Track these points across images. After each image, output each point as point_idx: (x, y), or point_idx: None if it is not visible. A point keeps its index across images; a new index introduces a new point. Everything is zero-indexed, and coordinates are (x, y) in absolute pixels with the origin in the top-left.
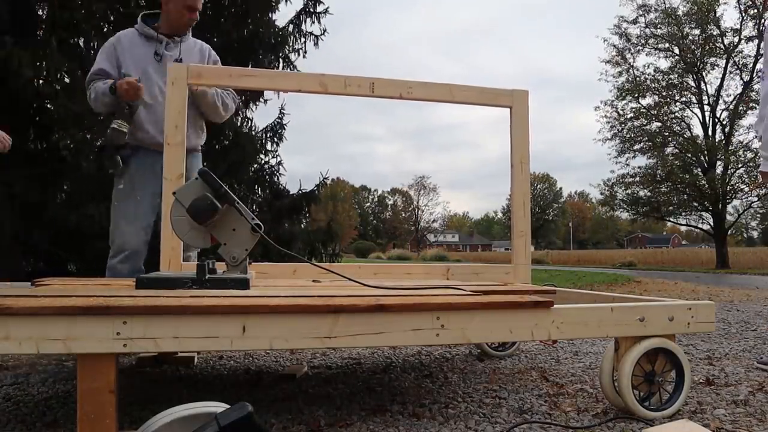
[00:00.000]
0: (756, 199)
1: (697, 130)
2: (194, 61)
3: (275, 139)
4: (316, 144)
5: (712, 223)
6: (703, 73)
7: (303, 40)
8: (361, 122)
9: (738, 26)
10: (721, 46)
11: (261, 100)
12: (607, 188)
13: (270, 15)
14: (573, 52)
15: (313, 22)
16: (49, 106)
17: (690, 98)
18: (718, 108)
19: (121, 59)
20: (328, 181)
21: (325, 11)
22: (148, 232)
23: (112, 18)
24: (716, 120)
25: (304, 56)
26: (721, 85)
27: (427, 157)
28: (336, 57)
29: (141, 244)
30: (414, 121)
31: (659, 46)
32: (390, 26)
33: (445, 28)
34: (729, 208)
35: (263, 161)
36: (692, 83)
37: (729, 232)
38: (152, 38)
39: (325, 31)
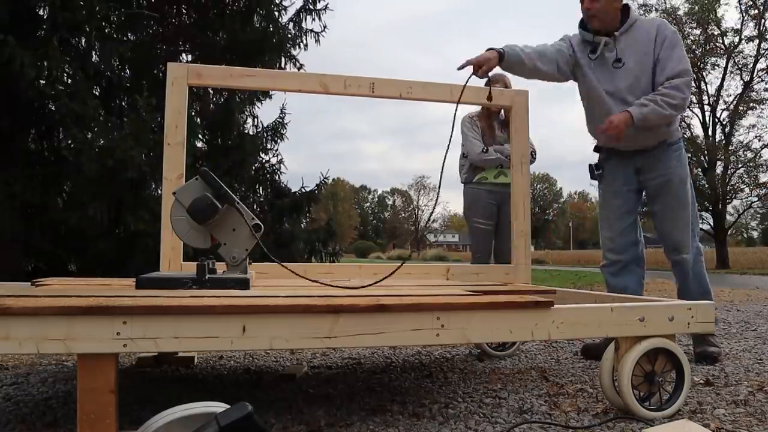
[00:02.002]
0: (756, 199)
1: (697, 130)
2: (640, 53)
3: (276, 138)
4: (298, 143)
5: (712, 223)
6: (704, 73)
7: (304, 37)
8: (342, 119)
9: (738, 26)
10: (722, 46)
11: (266, 97)
12: None
13: (277, 14)
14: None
15: (314, 19)
16: (51, 107)
17: (690, 98)
18: (719, 108)
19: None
20: (329, 181)
21: (325, 8)
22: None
23: (113, 18)
24: (716, 120)
25: (305, 49)
26: (721, 85)
27: (419, 156)
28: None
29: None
30: (399, 117)
31: None
32: (360, 19)
33: (418, 18)
34: (729, 208)
35: (264, 160)
36: (692, 83)
37: (729, 232)
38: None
39: (325, 27)
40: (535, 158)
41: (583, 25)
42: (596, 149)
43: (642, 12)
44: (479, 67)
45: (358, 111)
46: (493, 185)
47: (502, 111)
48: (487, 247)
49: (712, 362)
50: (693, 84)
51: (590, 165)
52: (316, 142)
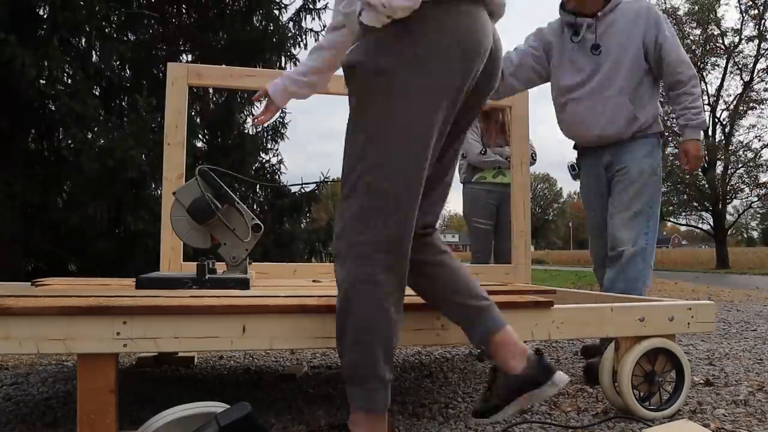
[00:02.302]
0: (756, 199)
1: None
2: (622, 37)
3: (276, 138)
4: (288, 144)
5: (712, 223)
6: (704, 73)
7: (304, 36)
8: (330, 119)
9: (738, 26)
10: (722, 46)
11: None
12: None
13: (277, 12)
14: None
15: (314, 19)
16: (51, 106)
17: None
18: (719, 108)
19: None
20: (329, 181)
21: (325, 7)
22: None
23: (113, 18)
24: (716, 120)
25: (305, 48)
26: (721, 85)
27: None
28: None
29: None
30: None
31: None
32: None
33: None
34: (729, 208)
35: (264, 160)
36: None
37: (729, 232)
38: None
39: (325, 26)
40: (535, 160)
41: (563, 5)
42: (574, 147)
43: None
44: None
45: (346, 110)
46: (492, 185)
47: (501, 113)
48: (486, 246)
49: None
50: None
51: (568, 165)
52: (303, 142)
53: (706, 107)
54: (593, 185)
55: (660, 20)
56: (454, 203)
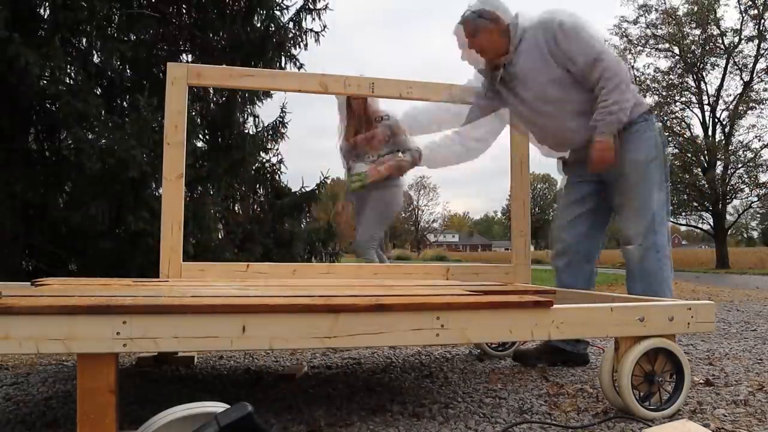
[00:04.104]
0: (756, 199)
1: (697, 130)
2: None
3: (276, 138)
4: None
5: (712, 223)
6: (703, 73)
7: (304, 37)
8: (319, 114)
9: (738, 26)
10: (722, 46)
11: (267, 96)
12: None
13: (279, 13)
14: None
15: (314, 19)
16: (51, 106)
17: (690, 98)
18: (718, 108)
19: None
20: (329, 181)
21: (325, 7)
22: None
23: (114, 18)
24: (716, 120)
25: (305, 48)
26: (721, 85)
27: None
28: None
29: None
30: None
31: (659, 46)
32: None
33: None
34: (729, 208)
35: (264, 159)
36: (692, 83)
37: (729, 232)
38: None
39: (325, 27)
40: (419, 160)
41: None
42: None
43: (641, 12)
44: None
45: (333, 107)
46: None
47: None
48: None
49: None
50: (693, 84)
51: (558, 159)
52: (293, 138)
53: (706, 107)
54: (576, 170)
55: (555, 32)
56: (455, 203)
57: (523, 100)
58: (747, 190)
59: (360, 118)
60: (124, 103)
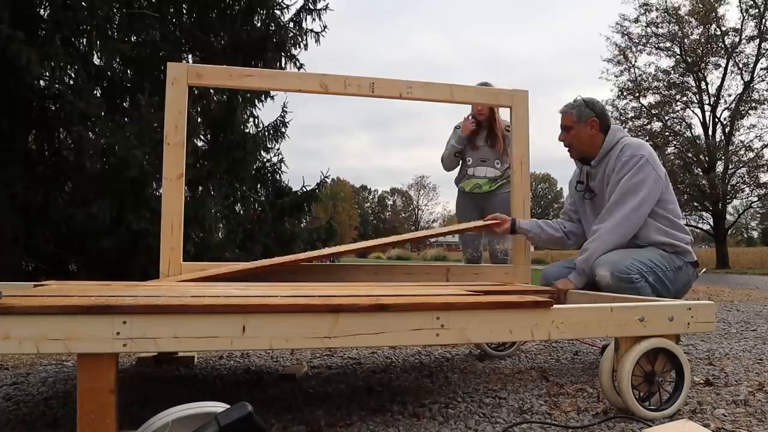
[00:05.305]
0: (756, 199)
1: (698, 130)
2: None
3: (277, 137)
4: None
5: (712, 223)
6: (704, 73)
7: (304, 37)
8: (314, 113)
9: (739, 26)
10: (723, 45)
11: (267, 97)
12: None
13: (279, 12)
14: (528, 36)
15: (314, 19)
16: (51, 106)
17: (691, 98)
18: (719, 108)
19: None
20: (329, 180)
21: (326, 7)
22: None
23: (116, 18)
24: (717, 120)
25: (305, 49)
26: (721, 85)
27: (396, 154)
28: None
29: None
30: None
31: (660, 45)
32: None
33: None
34: (729, 208)
35: (265, 159)
36: (693, 83)
37: (729, 232)
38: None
39: (325, 27)
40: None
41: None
42: None
43: (642, 11)
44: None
45: (333, 106)
46: (471, 194)
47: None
48: (474, 245)
49: None
50: (694, 83)
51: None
52: (294, 138)
53: (707, 107)
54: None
55: (623, 162)
56: (454, 203)
57: (591, 213)
58: (747, 190)
59: (491, 131)
60: (125, 103)
